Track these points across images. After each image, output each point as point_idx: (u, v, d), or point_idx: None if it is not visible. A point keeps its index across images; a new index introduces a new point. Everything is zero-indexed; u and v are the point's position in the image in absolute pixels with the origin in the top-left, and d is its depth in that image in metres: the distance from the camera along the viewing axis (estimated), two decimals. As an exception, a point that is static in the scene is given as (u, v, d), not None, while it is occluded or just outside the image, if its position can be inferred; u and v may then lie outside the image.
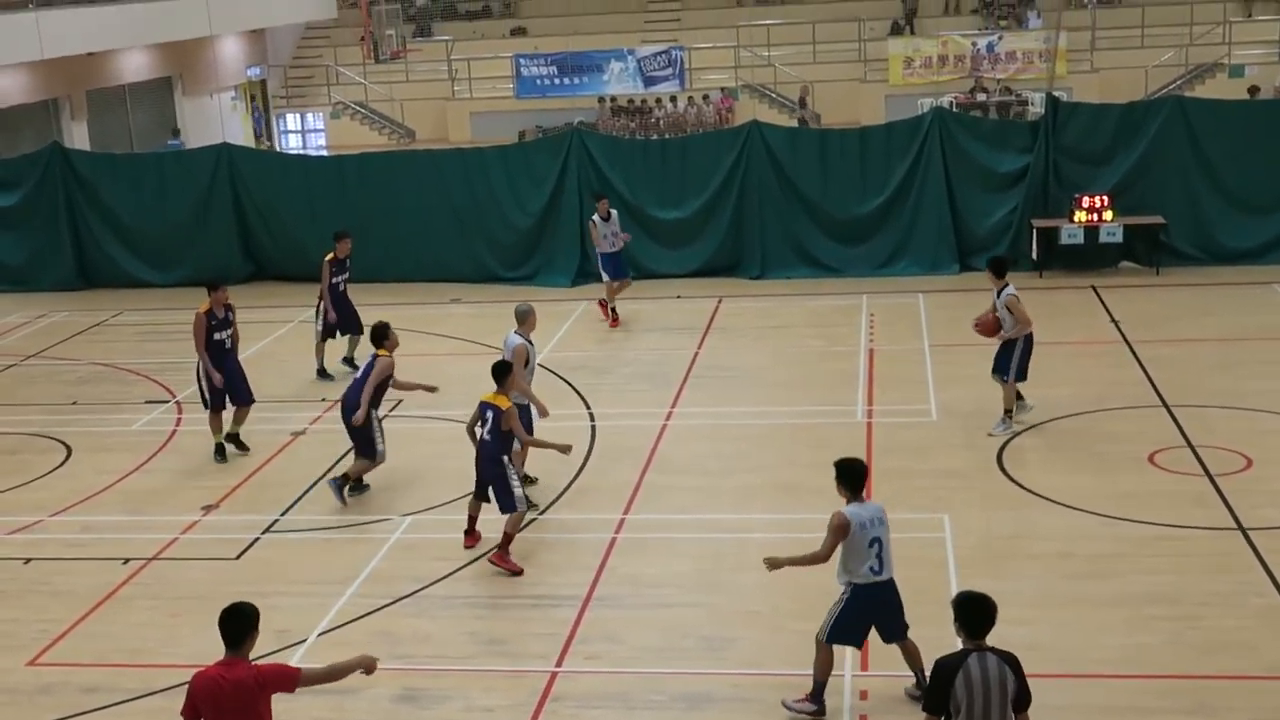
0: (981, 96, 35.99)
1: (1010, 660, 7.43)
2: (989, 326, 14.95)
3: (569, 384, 17.49)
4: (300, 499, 14.18)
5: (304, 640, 11.17)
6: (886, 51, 39.26)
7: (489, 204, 23.23)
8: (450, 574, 12.25)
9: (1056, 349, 17.58)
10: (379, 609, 11.68)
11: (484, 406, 12.37)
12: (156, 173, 24.41)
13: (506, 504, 12.26)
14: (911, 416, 15.66)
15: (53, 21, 29.18)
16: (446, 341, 19.84)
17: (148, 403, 17.68)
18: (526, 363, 13.65)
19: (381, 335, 14.01)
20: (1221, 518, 12.62)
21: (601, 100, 38.81)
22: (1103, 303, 20.12)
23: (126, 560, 12.85)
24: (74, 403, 17.74)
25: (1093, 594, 11.29)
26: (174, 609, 11.88)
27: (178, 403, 17.67)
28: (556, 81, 40.31)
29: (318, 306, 18.14)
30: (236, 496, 14.38)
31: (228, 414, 15.47)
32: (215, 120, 39.34)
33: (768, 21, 41.47)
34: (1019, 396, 15.15)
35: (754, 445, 14.99)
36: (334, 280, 18.05)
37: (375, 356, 13.87)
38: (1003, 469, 14.04)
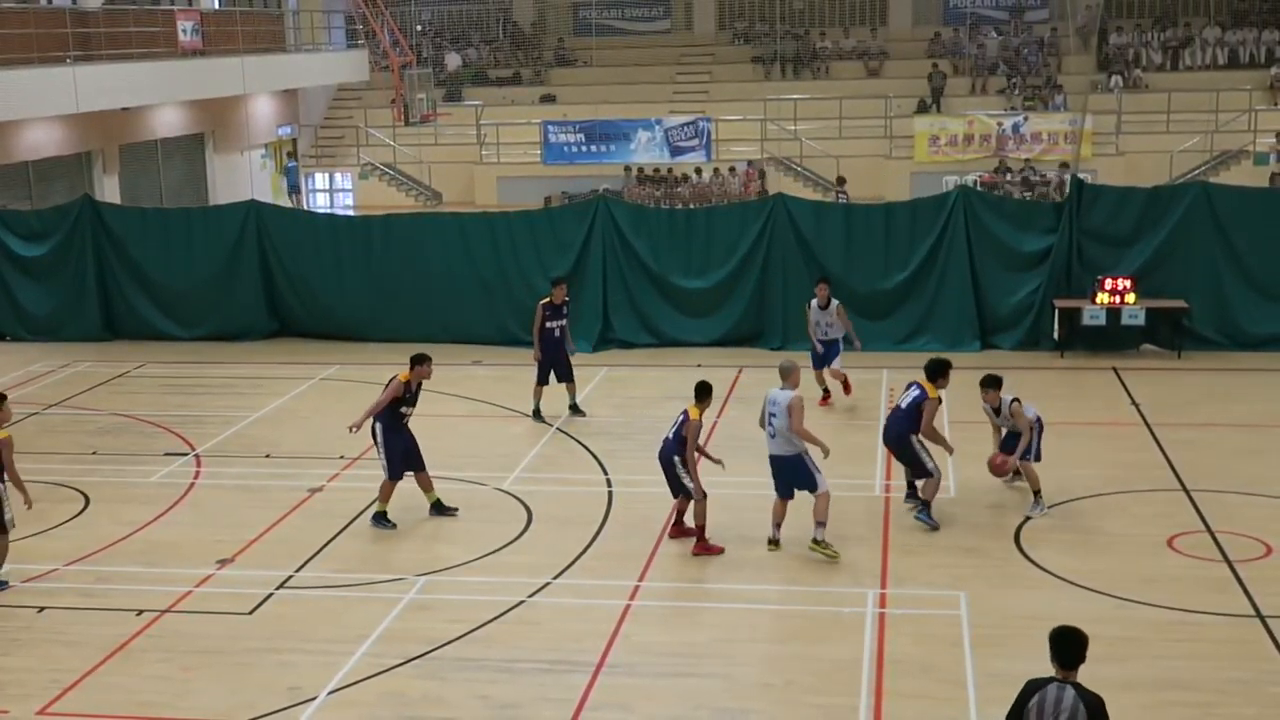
0: (1006, 176, 36.14)
1: (1091, 702, 7.72)
2: (1005, 464, 14.85)
3: (587, 449, 17.49)
4: (315, 555, 14.17)
5: (314, 698, 11.13)
6: (913, 128, 39.49)
7: (513, 268, 23.36)
8: (463, 635, 12.20)
9: (1077, 430, 17.52)
10: (390, 669, 11.64)
11: (683, 415, 13.97)
12: (184, 228, 24.63)
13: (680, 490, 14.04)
14: (930, 493, 15.58)
15: (89, 76, 29.58)
16: (465, 403, 19.89)
17: (167, 455, 17.74)
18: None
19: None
20: (1240, 604, 12.52)
21: (628, 169, 39.10)
22: (1124, 385, 20.08)
23: (140, 612, 12.85)
24: (94, 453, 17.81)
25: (1110, 678, 11.17)
26: (186, 663, 11.85)
27: (197, 456, 17.72)
28: (584, 149, 40.65)
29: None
30: (252, 551, 14.38)
31: (403, 483, 15.11)
32: (245, 178, 39.73)
33: (795, 96, 41.79)
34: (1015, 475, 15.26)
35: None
36: (547, 325, 18.49)
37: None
38: (1020, 549, 13.96)
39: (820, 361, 19.22)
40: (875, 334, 22.43)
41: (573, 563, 13.86)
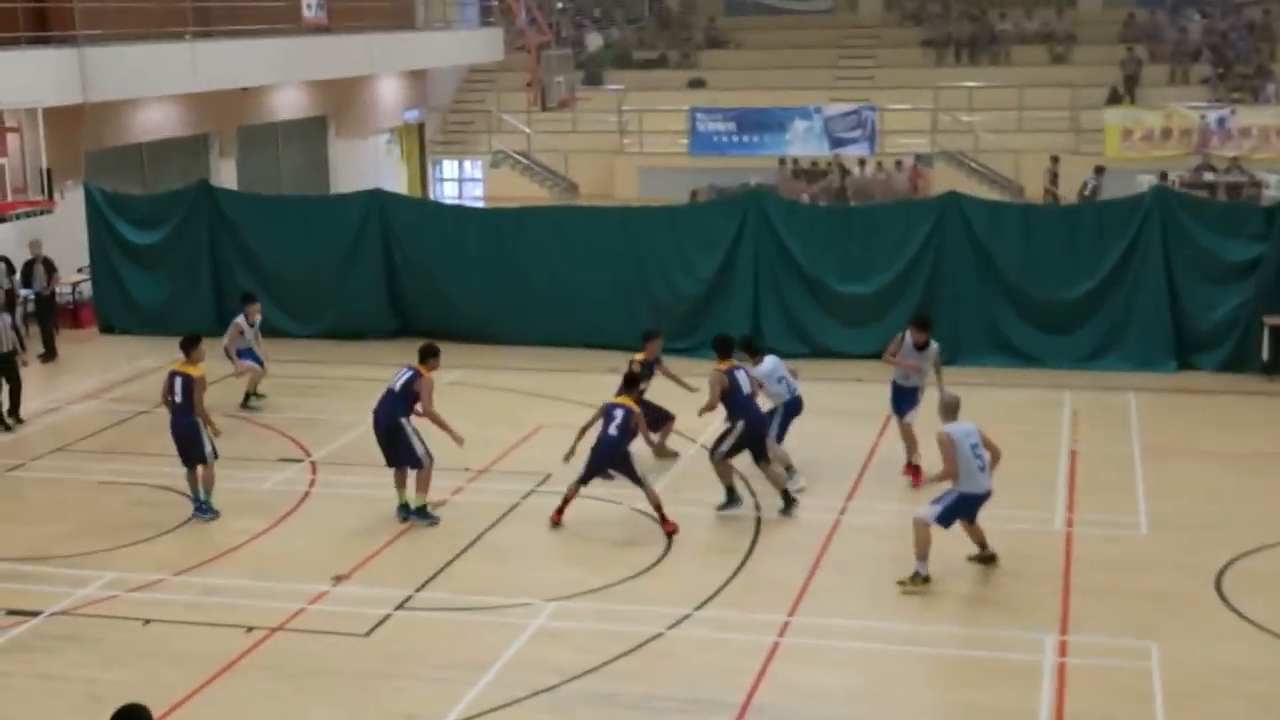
0: (1209, 175, 35.28)
1: None
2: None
3: (739, 471, 17.43)
4: (437, 575, 14.34)
5: (433, 729, 11.27)
6: (1102, 121, 38.76)
7: (654, 267, 23.43)
8: (595, 669, 12.24)
9: (1287, 463, 17.04)
10: (515, 701, 11.71)
11: (613, 406, 15.43)
12: (303, 217, 25.17)
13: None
14: (1117, 529, 15.32)
15: (208, 53, 30.30)
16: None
17: (281, 461, 18.09)
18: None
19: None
20: None
21: (782, 161, 38.97)
22: (1342, 414, 19.50)
23: (250, 629, 13.11)
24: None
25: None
26: (297, 685, 12.07)
27: (312, 463, 18.05)
28: (734, 139, 40.62)
29: None
30: (370, 567, 14.61)
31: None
32: (368, 164, 40.34)
33: (970, 84, 41.30)
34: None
35: (935, 549, 14.74)
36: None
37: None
38: (1222, 594, 13.60)
39: (901, 407, 17.03)
40: (1056, 350, 22.08)
41: (716, 593, 13.83)
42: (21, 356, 20.26)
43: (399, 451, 15.83)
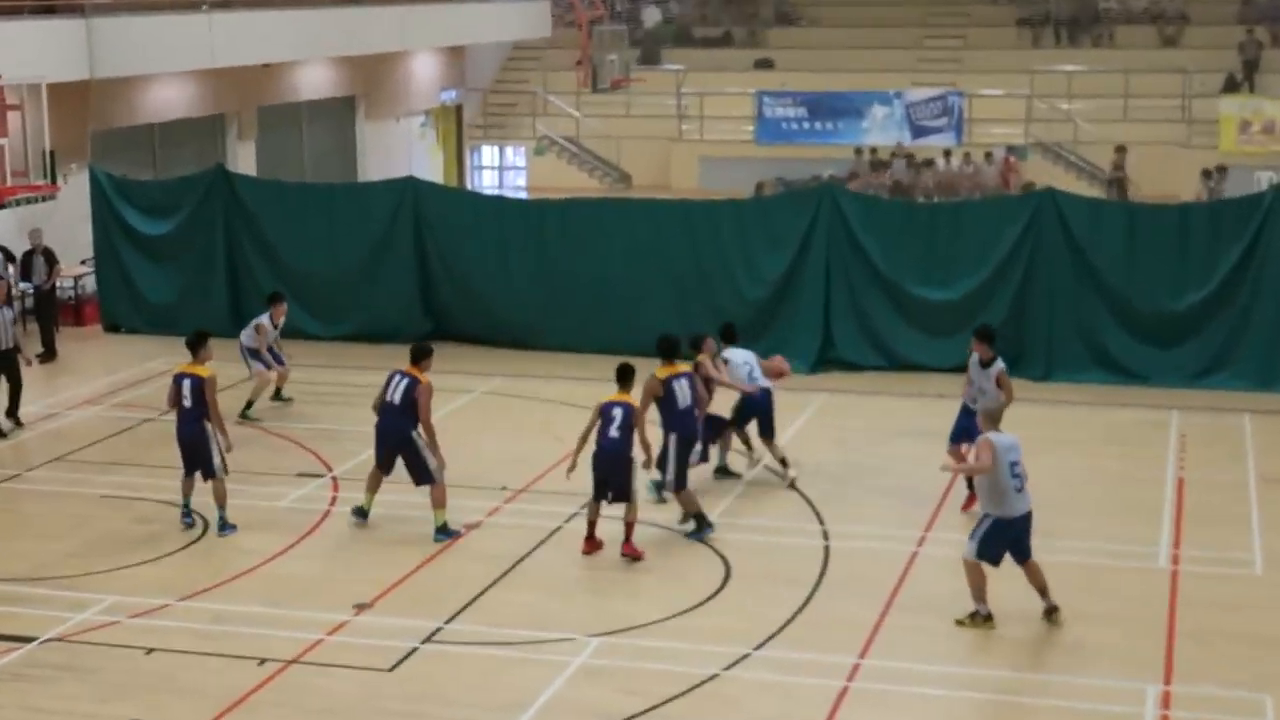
0: (1338, 174, 34.96)
1: None
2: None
3: (799, 492, 17.39)
4: (470, 605, 14.35)
5: (463, 776, 11.26)
6: (1217, 111, 38.50)
7: (715, 268, 23.39)
8: (644, 712, 12.20)
9: None
10: (554, 747, 11.71)
11: (611, 405, 15.31)
12: (328, 206, 25.30)
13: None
14: (1229, 566, 15.19)
15: (227, 25, 30.49)
16: (657, 431, 19.92)
17: (300, 475, 18.16)
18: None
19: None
20: None
21: (859, 151, 38.88)
22: None
23: (263, 661, 13.15)
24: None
25: None
26: (313, 724, 12.11)
27: (334, 478, 18.12)
28: (806, 126, 40.58)
29: None
30: (395, 595, 14.63)
31: None
32: (400, 149, 40.50)
33: (1069, 67, 41.09)
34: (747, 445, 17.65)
35: (1028, 585, 14.64)
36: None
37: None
38: (1346, 644, 13.45)
39: (960, 433, 16.85)
40: (1162, 366, 21.90)
41: (778, 631, 13.77)
42: (24, 354, 20.46)
43: (409, 465, 16.11)
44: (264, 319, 21.01)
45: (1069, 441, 19.35)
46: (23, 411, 20.52)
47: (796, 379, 22.04)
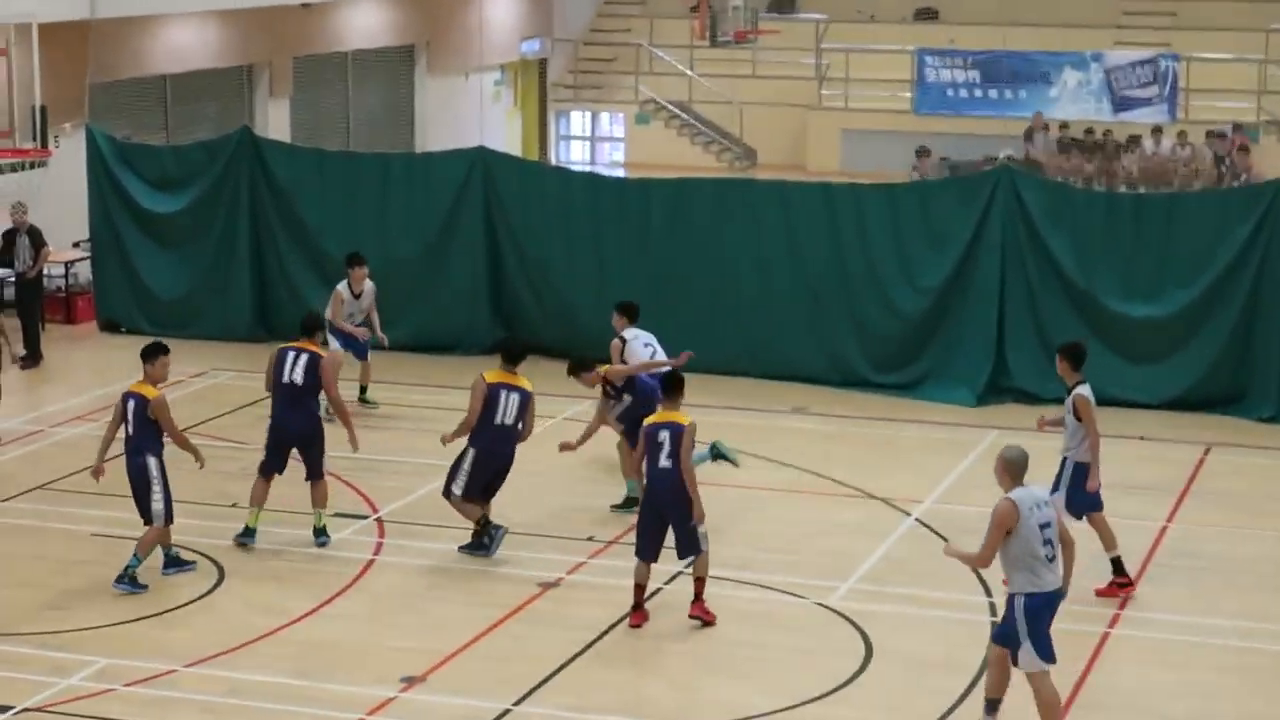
0: None
1: None
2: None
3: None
4: (546, 681, 14.40)
5: None
6: None
7: (861, 271, 23.38)
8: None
9: None
10: None
11: (657, 427, 15.11)
12: (380, 182, 25.48)
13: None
14: None
15: (261, -43, 30.89)
16: (778, 470, 19.96)
17: (337, 515, 18.29)
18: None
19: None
20: None
21: (1046, 127, 38.71)
22: None
23: (287, 744, 13.33)
24: (234, 505, 18.45)
25: None
26: (349, 825, 12.25)
27: (379, 520, 18.26)
28: (978, 93, 40.50)
29: None
30: (452, 668, 14.69)
31: None
32: (470, 112, 40.57)
33: (1317, 26, 40.75)
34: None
35: (1243, 681, 14.56)
36: None
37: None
38: None
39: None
40: None
41: (932, 727, 13.78)
42: (10, 351, 20.75)
43: (315, 456, 17.31)
44: (341, 287, 21.60)
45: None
46: (-1, 427, 20.83)
47: (959, 412, 22.02)
